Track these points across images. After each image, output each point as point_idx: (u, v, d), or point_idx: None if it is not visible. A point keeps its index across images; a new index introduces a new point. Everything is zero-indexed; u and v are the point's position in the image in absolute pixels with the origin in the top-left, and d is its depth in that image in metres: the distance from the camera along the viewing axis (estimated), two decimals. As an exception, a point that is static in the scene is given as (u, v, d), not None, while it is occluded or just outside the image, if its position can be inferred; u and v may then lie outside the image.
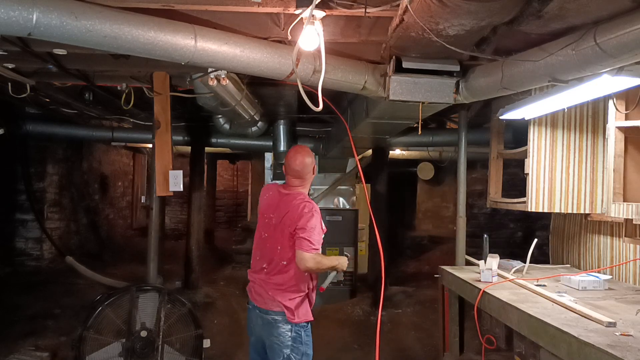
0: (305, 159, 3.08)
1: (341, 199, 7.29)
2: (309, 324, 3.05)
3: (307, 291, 3.05)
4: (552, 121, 3.78)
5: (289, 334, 2.96)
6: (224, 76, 3.20)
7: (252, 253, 3.22)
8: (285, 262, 3.00)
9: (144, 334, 3.90)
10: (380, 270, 3.60)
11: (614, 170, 3.23)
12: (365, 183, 4.24)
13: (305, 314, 3.02)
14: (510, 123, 4.55)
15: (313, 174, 3.14)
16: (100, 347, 3.86)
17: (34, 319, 5.48)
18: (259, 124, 5.51)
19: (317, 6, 2.42)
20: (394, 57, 2.96)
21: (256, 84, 4.13)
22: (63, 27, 2.36)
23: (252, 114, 4.59)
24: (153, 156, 4.16)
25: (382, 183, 6.89)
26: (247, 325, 3.24)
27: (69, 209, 7.70)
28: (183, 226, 9.83)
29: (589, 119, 3.81)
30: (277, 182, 3.35)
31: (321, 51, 2.66)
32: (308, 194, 3.19)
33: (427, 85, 3.02)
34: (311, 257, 2.88)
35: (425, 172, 9.20)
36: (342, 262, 3.10)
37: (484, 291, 3.31)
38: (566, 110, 3.52)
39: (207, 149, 7.28)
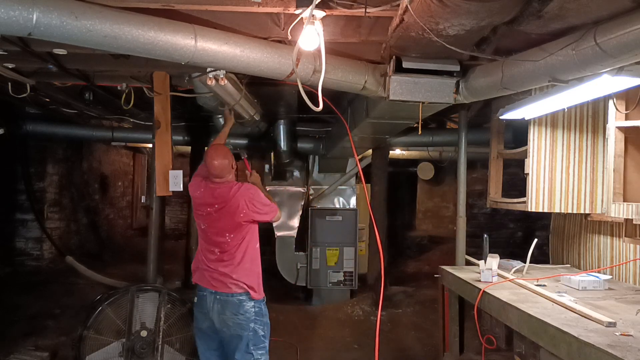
0: (222, 162, 3.43)
1: (341, 199, 7.29)
2: (265, 298, 3.47)
3: (260, 269, 3.46)
4: (552, 121, 3.78)
5: (253, 309, 3.34)
6: (222, 76, 3.19)
7: (198, 244, 3.57)
8: (239, 246, 3.39)
9: (144, 333, 3.90)
10: (380, 270, 3.61)
11: (614, 170, 3.23)
12: (365, 183, 4.25)
13: (261, 290, 3.44)
14: (510, 123, 4.55)
15: (233, 168, 3.51)
16: (100, 347, 3.86)
17: (34, 318, 5.48)
18: (260, 124, 5.50)
19: (317, 6, 2.42)
20: (394, 57, 2.96)
21: (256, 84, 4.12)
22: (63, 27, 2.35)
23: (252, 114, 4.57)
24: (153, 156, 4.15)
25: (382, 183, 6.89)
26: (198, 314, 3.49)
27: (69, 209, 7.70)
28: (183, 226, 9.82)
29: (589, 119, 3.81)
30: (198, 177, 3.65)
31: (321, 51, 2.66)
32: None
33: (427, 85, 3.02)
34: (277, 214, 3.53)
35: (425, 172, 9.20)
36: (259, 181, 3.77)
37: (484, 291, 3.31)
38: (566, 110, 3.52)
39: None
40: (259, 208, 3.42)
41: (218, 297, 3.36)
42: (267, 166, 7.35)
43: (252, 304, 3.35)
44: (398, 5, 2.40)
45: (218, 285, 3.37)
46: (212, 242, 3.46)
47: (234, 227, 3.39)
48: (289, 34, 2.77)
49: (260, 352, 3.35)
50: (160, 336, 3.90)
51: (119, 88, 4.25)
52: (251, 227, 3.45)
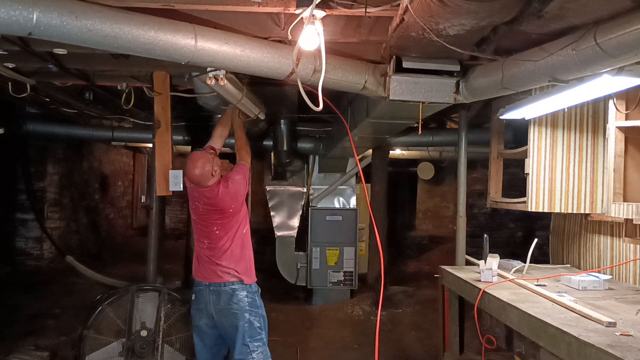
0: (202, 172, 3.37)
1: (341, 199, 7.29)
2: (259, 290, 3.53)
3: (250, 252, 3.55)
4: (552, 121, 3.78)
5: (246, 299, 3.40)
6: (222, 76, 3.19)
7: (194, 236, 3.67)
8: (226, 235, 3.46)
9: (144, 333, 3.90)
10: (380, 270, 3.61)
11: (614, 170, 3.23)
12: (365, 183, 4.25)
13: (253, 274, 3.52)
14: (510, 123, 4.55)
15: (213, 176, 3.42)
16: (100, 347, 3.86)
17: (34, 318, 5.48)
18: (260, 124, 5.50)
19: (318, 6, 2.42)
20: (394, 56, 2.96)
21: (256, 84, 4.12)
22: (63, 26, 2.35)
23: (256, 113, 4.53)
24: (153, 156, 4.15)
25: (382, 183, 6.89)
26: (194, 311, 3.55)
27: (69, 209, 7.70)
28: (183, 226, 9.83)
29: (589, 119, 3.81)
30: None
31: (321, 51, 2.66)
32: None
33: (428, 85, 3.02)
34: (248, 164, 3.72)
35: (425, 172, 9.20)
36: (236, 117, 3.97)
37: (484, 291, 3.31)
38: (566, 110, 3.52)
39: (207, 149, 7.26)
40: (240, 186, 3.50)
41: (212, 288, 3.45)
42: None
43: (245, 293, 3.42)
44: (398, 5, 2.40)
45: (210, 276, 3.46)
46: (202, 234, 3.56)
47: (222, 221, 3.48)
48: (289, 33, 2.76)
49: (256, 344, 3.38)
50: (160, 336, 3.90)
51: (119, 88, 4.25)
52: (239, 215, 3.52)
